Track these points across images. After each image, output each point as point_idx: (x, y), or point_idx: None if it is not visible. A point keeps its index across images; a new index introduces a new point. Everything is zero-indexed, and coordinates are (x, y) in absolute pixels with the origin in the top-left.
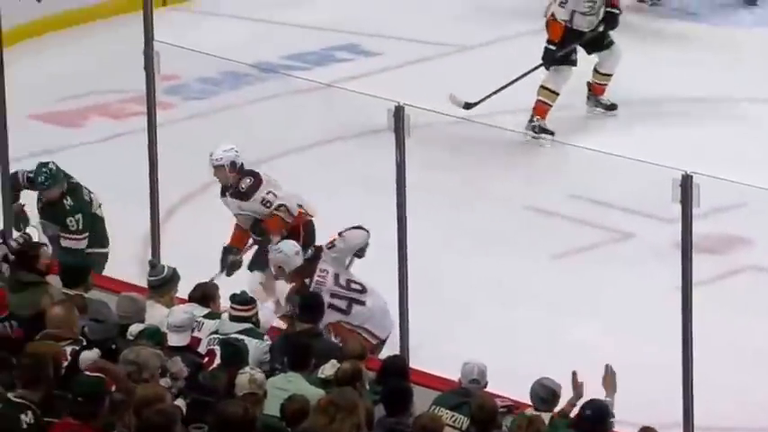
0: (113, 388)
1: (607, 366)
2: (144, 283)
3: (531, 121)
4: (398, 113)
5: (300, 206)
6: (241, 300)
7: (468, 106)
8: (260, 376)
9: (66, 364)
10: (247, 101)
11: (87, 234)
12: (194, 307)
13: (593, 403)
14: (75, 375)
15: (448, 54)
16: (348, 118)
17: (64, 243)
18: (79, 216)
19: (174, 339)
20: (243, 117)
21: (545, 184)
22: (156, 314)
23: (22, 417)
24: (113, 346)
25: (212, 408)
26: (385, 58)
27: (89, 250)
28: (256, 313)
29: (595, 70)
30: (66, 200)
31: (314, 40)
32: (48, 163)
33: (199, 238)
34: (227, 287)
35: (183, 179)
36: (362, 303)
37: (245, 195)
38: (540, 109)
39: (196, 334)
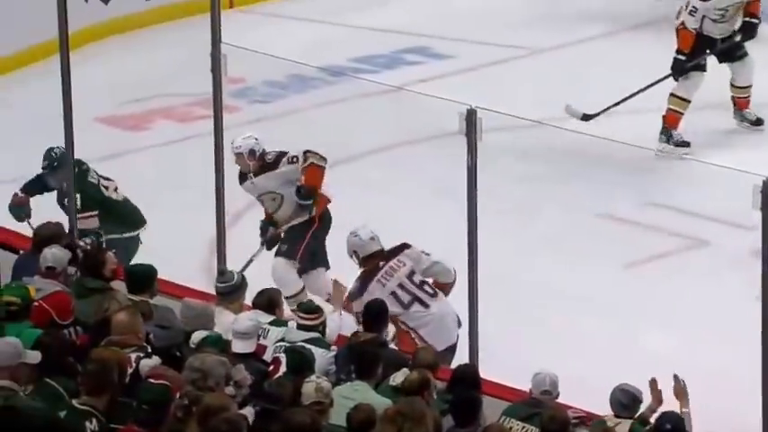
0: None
1: (675, 377)
2: (209, 290)
3: (663, 132)
4: (470, 117)
5: None
6: (308, 308)
7: (586, 118)
8: (326, 385)
9: (131, 370)
10: (314, 104)
11: (93, 213)
12: (259, 314)
13: (670, 416)
14: (140, 382)
15: (520, 57)
16: (418, 122)
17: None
18: (77, 196)
19: (239, 346)
20: (310, 121)
21: (618, 190)
22: (225, 321)
23: (87, 424)
24: (178, 353)
25: (278, 416)
26: (456, 61)
27: (110, 236)
28: (323, 322)
29: (732, 84)
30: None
31: (383, 42)
32: (54, 148)
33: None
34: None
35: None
36: (426, 306)
37: (273, 164)
38: (672, 118)
39: (262, 341)
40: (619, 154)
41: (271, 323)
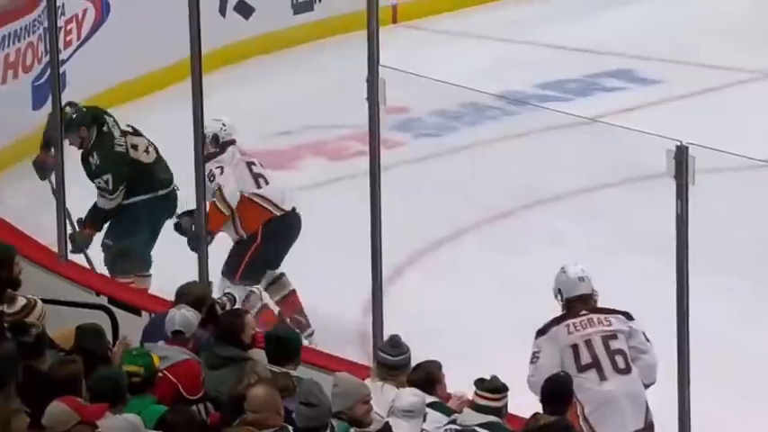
0: None
1: None
2: (363, 360)
3: None
4: (681, 155)
5: (254, 196)
6: (491, 386)
7: None
8: None
9: None
10: (492, 139)
11: (121, 190)
12: (417, 392)
13: None
14: None
15: (745, 82)
16: (617, 161)
17: (98, 201)
18: (108, 176)
19: (403, 427)
20: (486, 158)
21: None
22: (387, 399)
23: None
24: None
25: None
26: (665, 86)
27: (137, 198)
28: (506, 405)
29: None
30: (92, 158)
31: (576, 64)
32: (67, 104)
33: (426, 306)
34: None
35: (412, 233)
36: (602, 378)
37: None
38: None
39: None
40: None
41: (429, 405)
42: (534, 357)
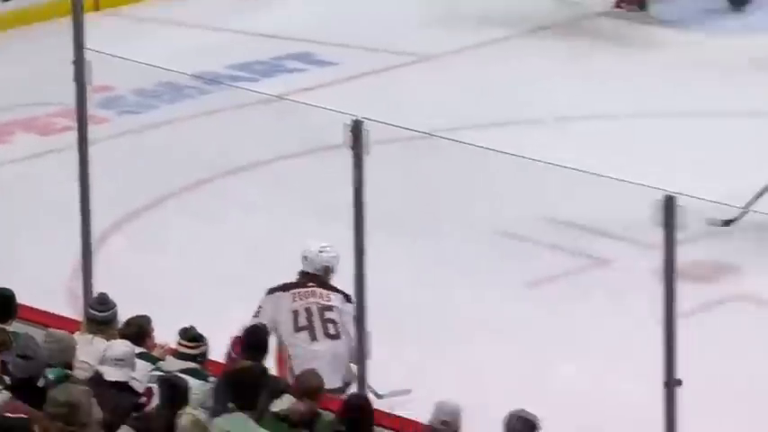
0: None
1: None
2: (72, 315)
3: None
4: (357, 128)
5: None
6: (190, 336)
7: (727, 223)
8: (203, 417)
9: None
10: (189, 115)
11: None
12: (128, 344)
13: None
14: None
15: (412, 63)
16: (300, 134)
17: None
18: None
19: (114, 374)
20: (184, 133)
21: (515, 206)
22: (97, 349)
23: None
24: (40, 386)
25: None
26: (341, 68)
27: None
28: (204, 352)
29: None
30: None
31: (262, 48)
32: None
33: (132, 268)
34: None
35: (116, 202)
36: (313, 339)
37: None
38: None
39: None
40: (517, 168)
41: (138, 356)
42: (257, 313)
